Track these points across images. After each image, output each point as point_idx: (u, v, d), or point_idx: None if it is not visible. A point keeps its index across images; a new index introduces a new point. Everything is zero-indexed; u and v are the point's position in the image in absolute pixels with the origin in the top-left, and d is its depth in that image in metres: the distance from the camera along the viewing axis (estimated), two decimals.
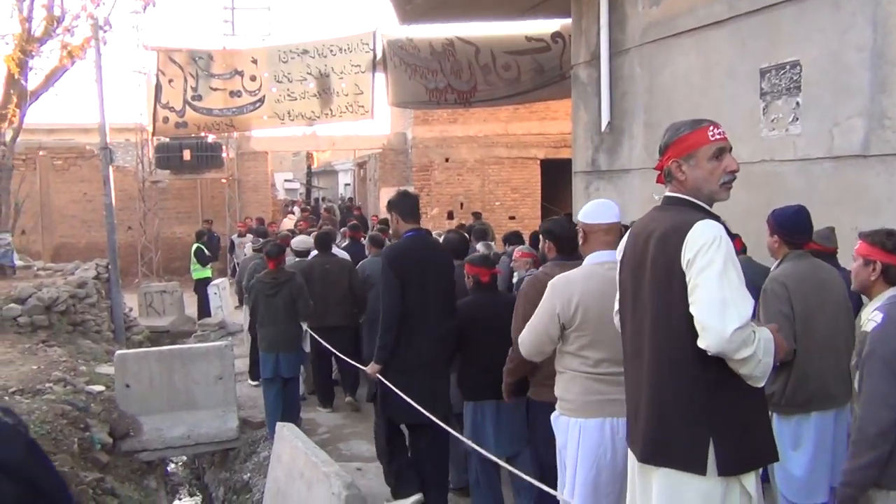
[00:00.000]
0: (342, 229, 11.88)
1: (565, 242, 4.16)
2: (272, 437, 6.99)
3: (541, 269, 4.42)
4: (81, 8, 13.64)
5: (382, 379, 4.73)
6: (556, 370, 3.52)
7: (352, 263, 8.04)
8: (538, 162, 20.35)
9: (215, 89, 13.06)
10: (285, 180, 40.70)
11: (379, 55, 12.98)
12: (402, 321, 4.67)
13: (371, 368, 4.83)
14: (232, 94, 13.04)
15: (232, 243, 14.38)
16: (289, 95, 12.95)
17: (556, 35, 12.60)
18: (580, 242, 3.59)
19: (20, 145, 15.08)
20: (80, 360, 9.72)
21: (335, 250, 8.43)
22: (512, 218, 19.61)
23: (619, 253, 2.80)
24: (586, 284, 3.39)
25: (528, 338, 3.55)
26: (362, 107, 13.02)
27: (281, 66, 12.94)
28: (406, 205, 5.00)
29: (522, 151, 20.20)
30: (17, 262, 13.32)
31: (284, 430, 5.01)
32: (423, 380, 4.66)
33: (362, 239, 9.78)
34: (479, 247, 7.47)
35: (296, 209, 24.56)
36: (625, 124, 8.25)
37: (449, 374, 4.90)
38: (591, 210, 3.56)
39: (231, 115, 13.10)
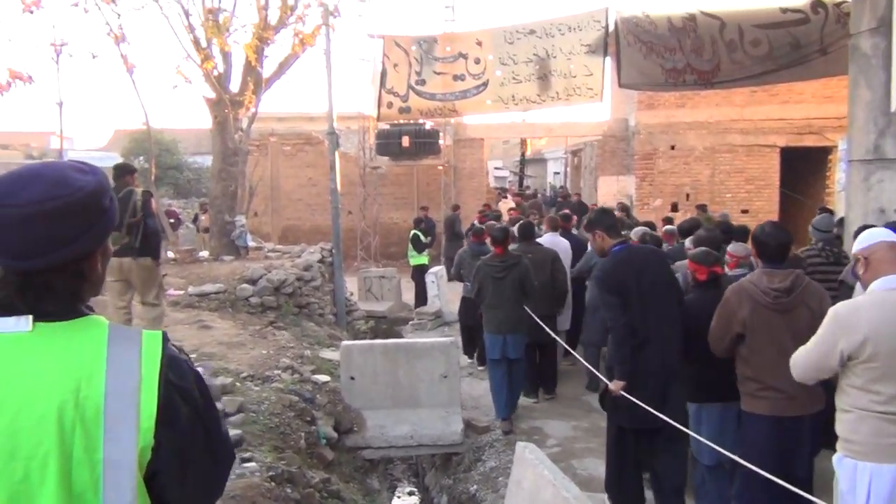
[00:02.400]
0: (549, 217, 11.70)
1: (769, 249, 4.13)
2: (499, 416, 7.21)
3: (747, 277, 4.34)
4: None
5: (623, 393, 4.66)
6: (839, 407, 3.29)
7: (555, 253, 8.05)
8: (777, 150, 18.43)
9: (439, 73, 12.77)
10: (495, 168, 40.66)
11: (610, 33, 12.03)
12: (631, 333, 4.66)
13: (613, 385, 4.75)
14: (455, 77, 12.68)
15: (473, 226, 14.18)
16: (514, 78, 12.35)
17: (817, 4, 10.98)
18: (860, 271, 3.26)
19: (254, 131, 15.75)
20: (305, 342, 9.78)
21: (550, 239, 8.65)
22: (745, 211, 17.89)
23: None
24: (877, 312, 3.11)
25: (802, 363, 3.39)
26: (591, 89, 12.15)
27: (506, 48, 12.36)
28: (608, 220, 5.04)
29: (759, 138, 18.36)
30: (250, 243, 13.91)
31: (526, 452, 4.39)
32: (653, 386, 4.63)
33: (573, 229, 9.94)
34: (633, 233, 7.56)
35: (508, 196, 24.26)
36: None
37: (679, 379, 4.79)
38: (876, 232, 3.31)
39: (454, 100, 12.75)
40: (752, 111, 18.19)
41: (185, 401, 1.42)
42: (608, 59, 12.33)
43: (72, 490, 1.32)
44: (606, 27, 12.03)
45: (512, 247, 8.41)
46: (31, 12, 12.79)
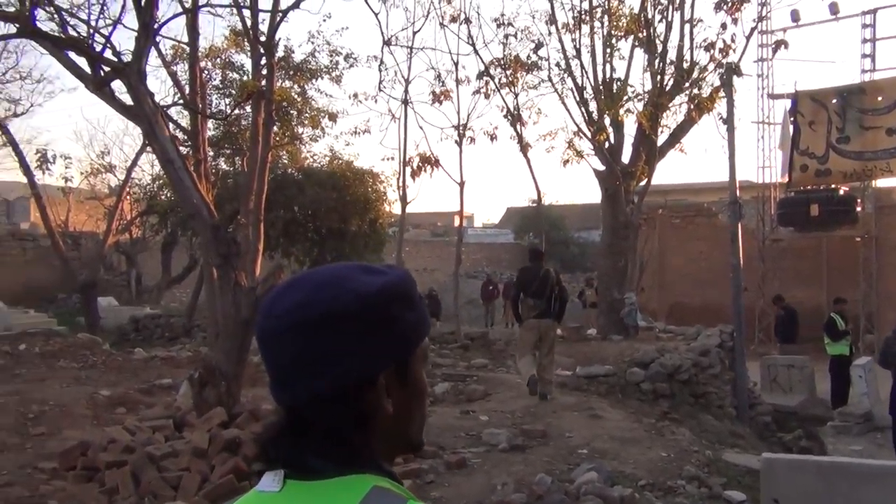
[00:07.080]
0: None
1: None
2: None
3: None
4: (710, 59, 12.98)
5: None
6: None
7: None
8: None
9: (867, 128, 10.85)
10: None
11: None
12: None
13: None
14: (890, 131, 10.64)
15: None
16: None
17: None
18: None
19: (643, 205, 15.07)
20: (704, 439, 8.63)
21: None
22: None
23: None
24: None
25: None
26: None
27: None
28: None
29: None
30: (640, 322, 13.09)
31: None
32: None
33: None
34: None
35: None
36: None
37: None
38: None
39: (888, 158, 10.70)
40: None
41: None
42: None
43: None
44: None
45: None
46: (440, 102, 13.81)
